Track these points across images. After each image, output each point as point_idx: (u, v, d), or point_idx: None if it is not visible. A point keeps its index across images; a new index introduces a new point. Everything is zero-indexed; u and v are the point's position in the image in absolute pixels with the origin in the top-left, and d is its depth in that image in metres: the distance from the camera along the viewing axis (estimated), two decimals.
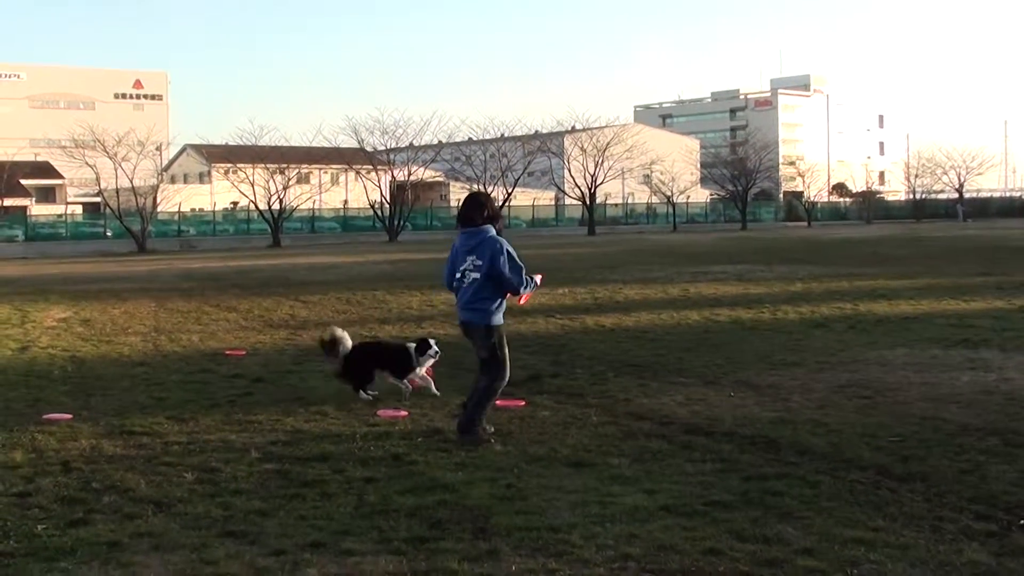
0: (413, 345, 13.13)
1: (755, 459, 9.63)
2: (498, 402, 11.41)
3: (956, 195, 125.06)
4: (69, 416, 12.03)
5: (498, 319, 10.77)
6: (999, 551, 7.10)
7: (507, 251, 10.59)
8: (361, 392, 12.91)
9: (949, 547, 7.16)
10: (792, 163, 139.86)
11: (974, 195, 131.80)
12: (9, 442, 10.78)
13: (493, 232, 10.70)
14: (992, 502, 8.15)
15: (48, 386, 14.43)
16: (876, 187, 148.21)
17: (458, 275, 10.77)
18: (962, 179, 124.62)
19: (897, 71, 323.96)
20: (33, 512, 8.28)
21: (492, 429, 10.82)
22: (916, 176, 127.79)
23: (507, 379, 10.98)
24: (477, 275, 10.62)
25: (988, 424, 10.95)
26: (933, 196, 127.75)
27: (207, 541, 7.49)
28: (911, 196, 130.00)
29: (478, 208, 10.83)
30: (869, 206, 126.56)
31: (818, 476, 8.95)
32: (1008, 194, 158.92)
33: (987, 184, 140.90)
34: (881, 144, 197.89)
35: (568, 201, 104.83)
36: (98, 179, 76.90)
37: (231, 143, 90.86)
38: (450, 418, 11.58)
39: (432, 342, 12.96)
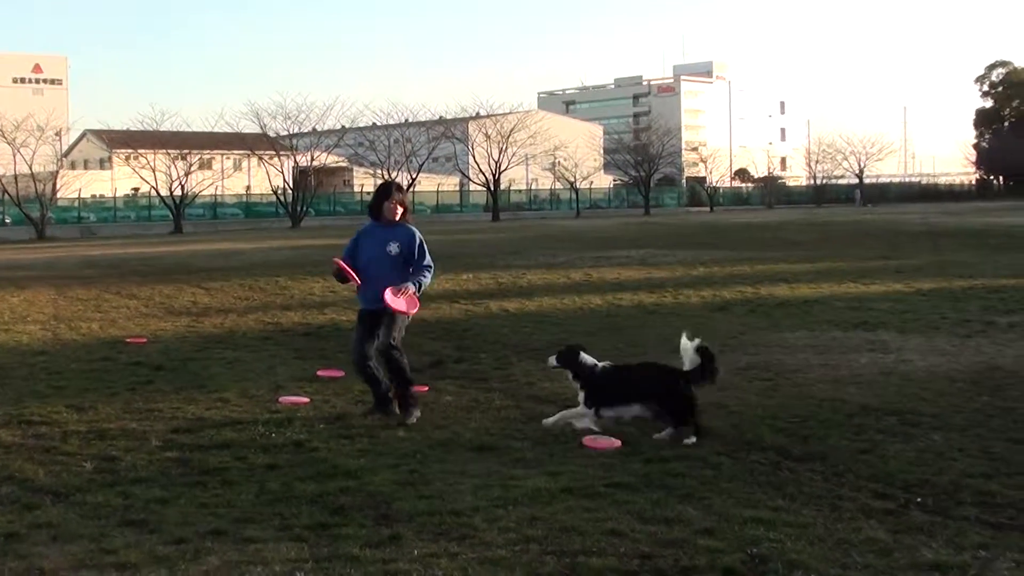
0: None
1: (656, 441, 9.71)
2: (420, 388, 11.54)
3: (856, 180, 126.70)
4: None
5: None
6: (896, 528, 7.21)
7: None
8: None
9: (847, 525, 7.27)
10: (695, 149, 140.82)
11: (874, 180, 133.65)
12: None
13: None
14: (890, 481, 8.29)
15: None
16: (777, 172, 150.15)
17: None
18: (862, 165, 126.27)
19: (798, 58, 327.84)
20: None
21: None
22: (817, 162, 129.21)
23: (353, 359, 11.23)
24: None
25: (886, 404, 11.13)
26: (834, 181, 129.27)
27: (106, 531, 7.40)
28: (812, 181, 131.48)
29: None
30: (771, 191, 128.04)
31: (719, 457, 9.04)
32: (907, 179, 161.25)
33: (887, 170, 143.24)
34: (782, 130, 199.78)
35: (472, 187, 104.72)
36: None
37: (132, 128, 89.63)
38: (353, 404, 11.57)
39: None
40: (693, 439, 9.60)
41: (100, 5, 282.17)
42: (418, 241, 11.12)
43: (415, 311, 11.12)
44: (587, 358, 10.30)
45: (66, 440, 10.20)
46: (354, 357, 11.15)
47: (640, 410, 10.07)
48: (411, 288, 10.89)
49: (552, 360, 10.54)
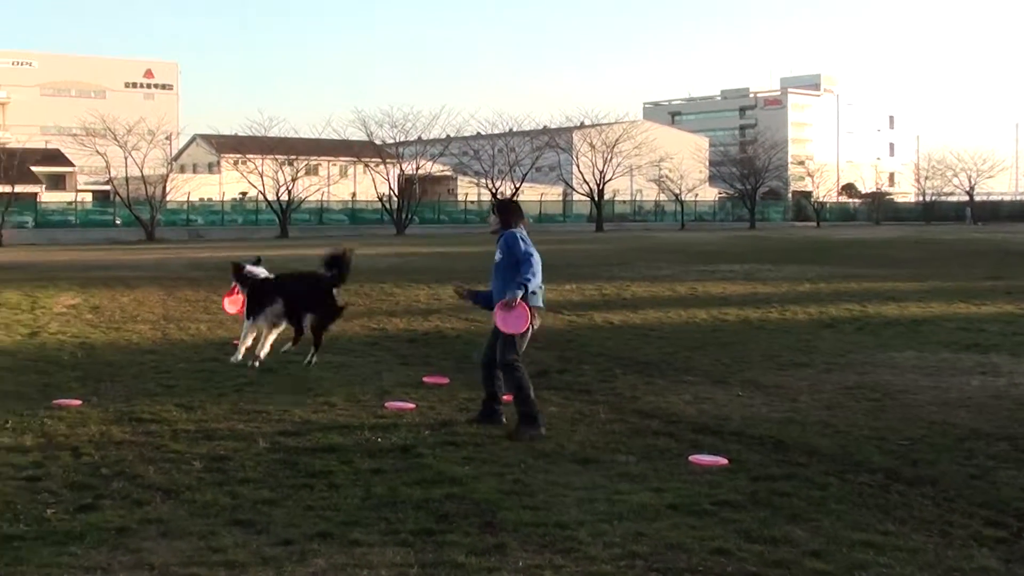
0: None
1: (763, 459, 9.64)
2: (505, 397, 11.38)
3: (967, 197, 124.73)
4: (78, 402, 12.07)
5: None
6: (1009, 557, 7.09)
7: None
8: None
9: (958, 552, 7.15)
10: (801, 163, 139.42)
11: (984, 198, 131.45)
12: (19, 427, 10.81)
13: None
14: (1002, 508, 8.13)
15: (58, 372, 14.48)
16: (885, 188, 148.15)
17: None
18: (972, 182, 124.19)
19: (908, 72, 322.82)
20: (43, 496, 8.32)
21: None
22: (926, 178, 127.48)
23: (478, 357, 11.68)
24: None
25: (998, 429, 10.93)
26: (943, 198, 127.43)
27: (215, 529, 7.51)
28: (921, 198, 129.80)
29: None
30: (878, 207, 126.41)
31: (826, 478, 8.94)
32: (1019, 198, 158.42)
33: (998, 187, 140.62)
34: (891, 145, 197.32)
35: (576, 197, 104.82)
36: (108, 167, 77.32)
37: (240, 134, 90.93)
38: (458, 411, 11.61)
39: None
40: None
41: (211, 12, 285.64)
42: (506, 241, 10.90)
43: (527, 326, 10.77)
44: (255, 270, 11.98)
45: (175, 438, 10.38)
46: (480, 357, 11.42)
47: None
48: (514, 296, 10.60)
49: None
